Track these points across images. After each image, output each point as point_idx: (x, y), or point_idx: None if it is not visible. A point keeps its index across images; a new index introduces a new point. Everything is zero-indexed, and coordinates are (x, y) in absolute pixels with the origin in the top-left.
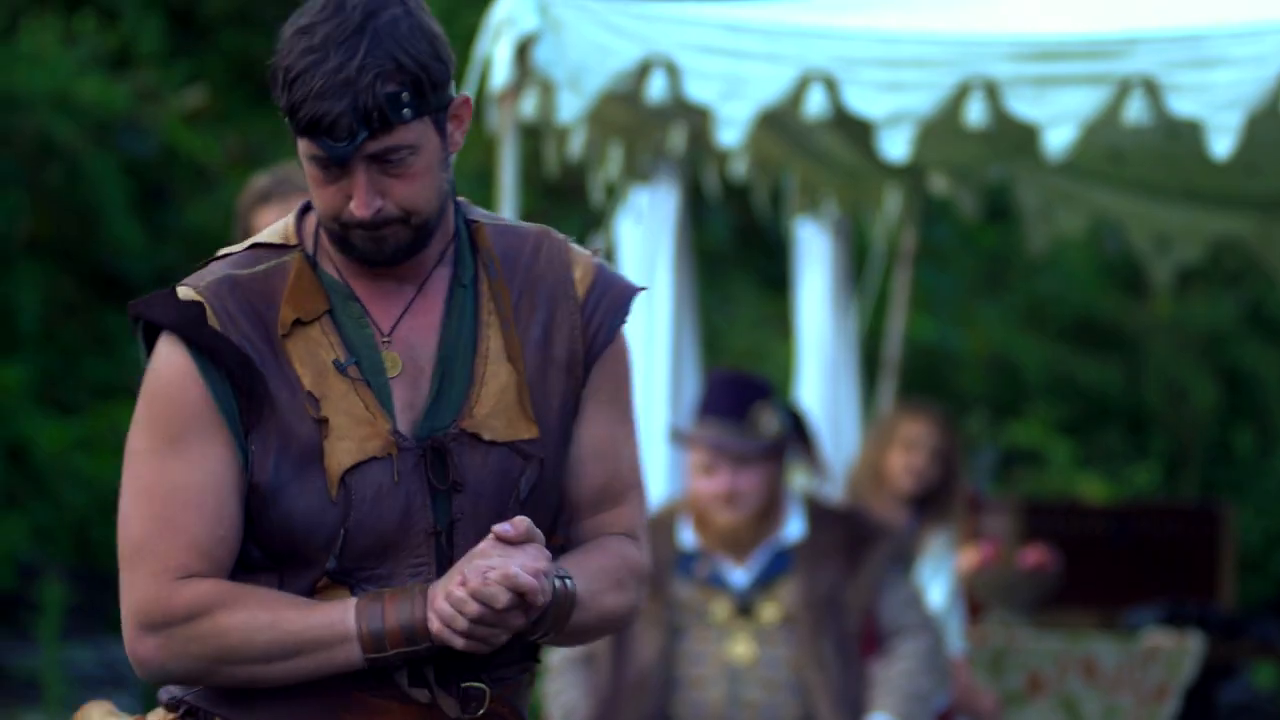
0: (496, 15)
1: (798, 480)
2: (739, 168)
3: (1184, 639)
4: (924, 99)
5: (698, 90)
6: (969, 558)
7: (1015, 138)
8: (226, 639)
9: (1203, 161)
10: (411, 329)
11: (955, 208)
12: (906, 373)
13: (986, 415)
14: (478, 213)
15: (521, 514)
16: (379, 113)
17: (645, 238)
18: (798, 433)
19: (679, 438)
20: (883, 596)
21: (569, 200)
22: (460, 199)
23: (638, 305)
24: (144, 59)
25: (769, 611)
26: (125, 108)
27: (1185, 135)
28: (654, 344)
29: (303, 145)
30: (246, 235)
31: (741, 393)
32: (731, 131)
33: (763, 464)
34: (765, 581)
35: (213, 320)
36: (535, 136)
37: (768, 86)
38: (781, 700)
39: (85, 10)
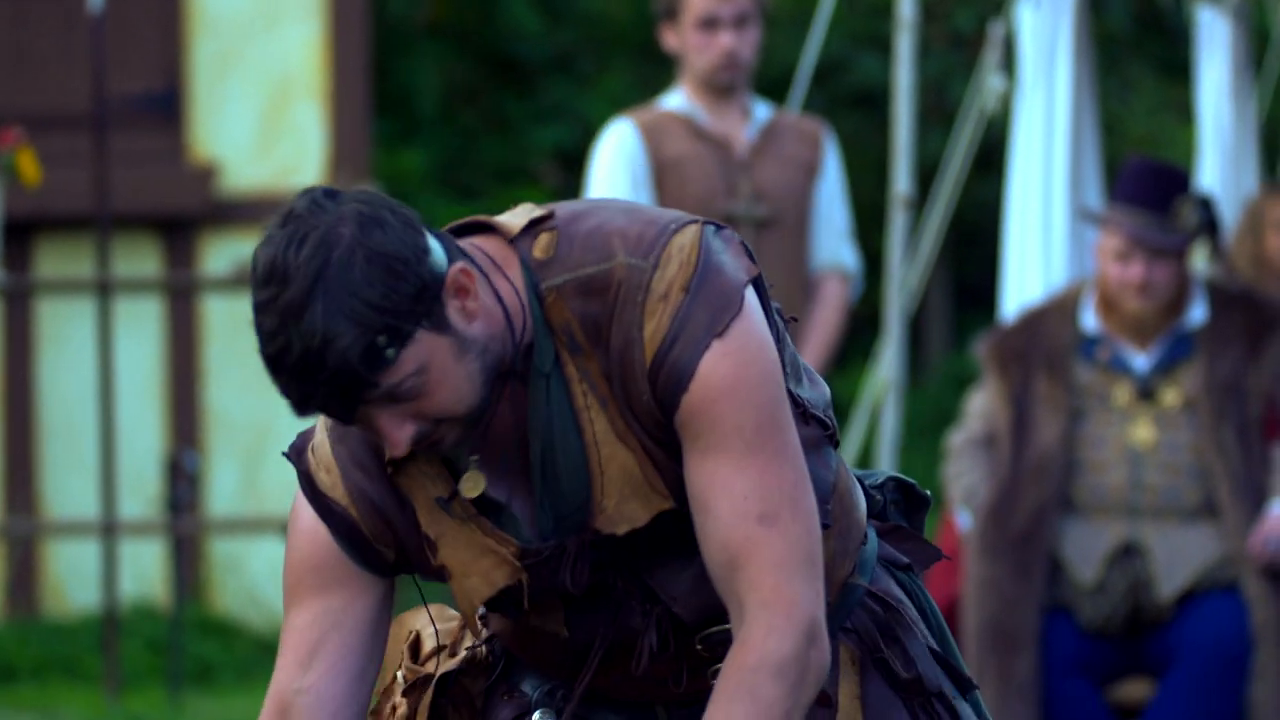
0: None
1: (1200, 265)
2: None
3: None
4: None
5: None
6: None
7: None
8: None
9: None
10: (495, 440)
11: None
12: None
13: None
14: (557, 268)
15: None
16: (360, 376)
17: (1045, 24)
18: (1207, 221)
19: (1095, 219)
20: None
21: None
22: (539, 253)
23: (1036, 94)
24: None
25: (1170, 396)
26: None
27: None
28: (1053, 130)
29: None
30: None
31: (1163, 184)
32: None
33: (1178, 256)
34: (1167, 366)
35: (325, 480)
36: None
37: None
38: (1182, 484)
39: None
